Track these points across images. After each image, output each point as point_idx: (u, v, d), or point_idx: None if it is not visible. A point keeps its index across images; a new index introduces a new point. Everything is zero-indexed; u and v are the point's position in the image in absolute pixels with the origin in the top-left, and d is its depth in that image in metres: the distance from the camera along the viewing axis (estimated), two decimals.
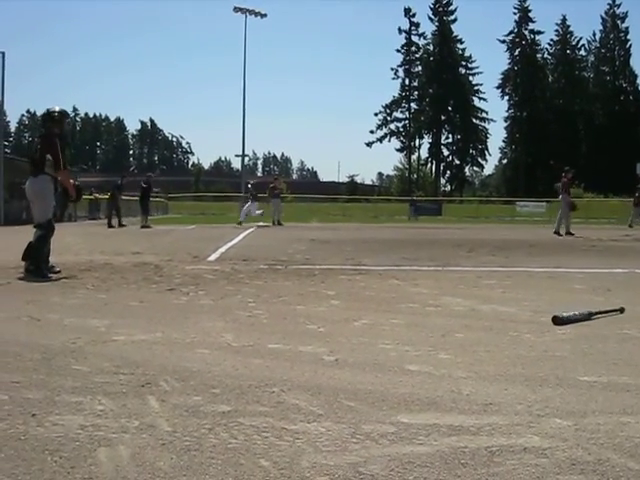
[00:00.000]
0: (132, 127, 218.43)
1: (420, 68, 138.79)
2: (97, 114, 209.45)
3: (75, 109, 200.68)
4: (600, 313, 7.01)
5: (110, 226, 32.60)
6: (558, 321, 6.62)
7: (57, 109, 11.33)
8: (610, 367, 5.00)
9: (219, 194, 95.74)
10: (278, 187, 38.44)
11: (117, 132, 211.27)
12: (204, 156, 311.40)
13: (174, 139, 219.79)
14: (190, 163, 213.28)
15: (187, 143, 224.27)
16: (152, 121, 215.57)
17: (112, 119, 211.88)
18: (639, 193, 36.99)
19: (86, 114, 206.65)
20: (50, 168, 10.95)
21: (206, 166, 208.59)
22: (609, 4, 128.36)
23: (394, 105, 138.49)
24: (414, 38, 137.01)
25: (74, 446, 3.30)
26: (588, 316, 6.87)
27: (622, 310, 7.23)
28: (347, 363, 5.07)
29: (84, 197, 47.04)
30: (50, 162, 10.90)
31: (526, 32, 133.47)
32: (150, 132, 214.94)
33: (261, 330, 6.41)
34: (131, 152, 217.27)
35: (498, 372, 4.83)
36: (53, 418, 3.72)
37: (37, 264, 10.51)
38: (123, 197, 37.73)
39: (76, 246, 17.49)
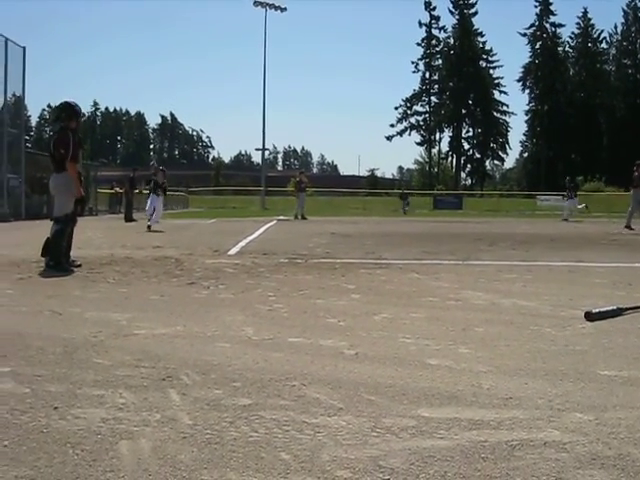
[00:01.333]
0: (152, 121, 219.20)
1: (440, 61, 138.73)
2: (117, 108, 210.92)
3: (96, 103, 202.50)
4: (631, 309, 6.98)
5: (128, 220, 32.57)
6: (591, 317, 6.58)
7: (72, 102, 11.24)
8: (631, 362, 4.99)
9: (239, 188, 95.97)
10: (304, 181, 38.40)
11: (137, 126, 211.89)
12: (224, 150, 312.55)
13: (194, 133, 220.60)
14: (210, 157, 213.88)
15: (207, 137, 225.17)
16: (172, 115, 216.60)
17: (132, 113, 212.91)
18: None
19: (106, 108, 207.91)
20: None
21: (226, 160, 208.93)
22: None
23: (414, 99, 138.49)
24: (434, 31, 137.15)
25: (96, 439, 3.33)
26: (619, 311, 6.83)
27: None
28: (367, 357, 5.08)
29: (105, 191, 47.33)
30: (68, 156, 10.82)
31: (547, 25, 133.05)
32: (170, 126, 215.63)
33: (281, 324, 6.42)
34: (151, 146, 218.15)
35: (518, 366, 4.82)
36: (75, 411, 3.74)
37: (57, 259, 10.51)
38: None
39: (97, 240, 17.58)
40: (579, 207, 41.65)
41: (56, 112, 11.77)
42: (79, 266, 10.83)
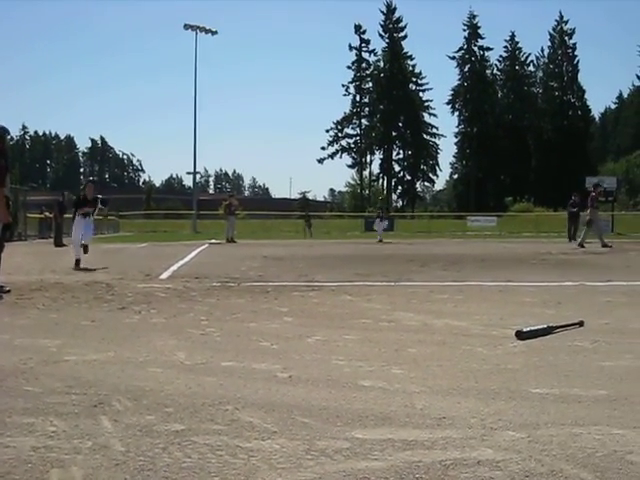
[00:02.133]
0: (82, 145, 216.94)
1: (371, 84, 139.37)
2: (47, 132, 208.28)
3: (24, 127, 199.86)
4: (561, 327, 7.08)
5: (58, 245, 32.19)
6: (521, 336, 6.66)
7: None
8: (561, 379, 5.05)
9: (170, 212, 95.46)
10: (234, 204, 38.34)
11: (67, 150, 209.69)
12: (155, 174, 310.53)
13: (125, 157, 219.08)
14: (141, 181, 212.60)
15: (138, 161, 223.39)
16: (103, 139, 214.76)
17: (62, 137, 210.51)
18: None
19: (35, 132, 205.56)
20: None
21: (157, 184, 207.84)
22: (557, 20, 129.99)
23: (345, 121, 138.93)
24: (365, 55, 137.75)
25: (26, 468, 3.27)
26: (549, 330, 6.92)
27: (581, 323, 7.29)
28: (301, 380, 5.07)
29: (35, 216, 46.63)
30: None
31: (475, 48, 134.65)
32: (101, 150, 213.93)
33: (214, 348, 6.39)
34: (82, 170, 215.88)
35: (451, 386, 4.85)
36: (4, 440, 3.67)
37: None
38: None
39: (26, 265, 17.33)
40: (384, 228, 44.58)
41: None
42: (8, 292, 10.67)
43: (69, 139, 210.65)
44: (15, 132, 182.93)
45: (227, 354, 6.05)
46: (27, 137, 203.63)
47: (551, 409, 4.25)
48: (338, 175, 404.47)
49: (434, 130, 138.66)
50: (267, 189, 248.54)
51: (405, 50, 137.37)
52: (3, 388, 4.81)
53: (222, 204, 38.40)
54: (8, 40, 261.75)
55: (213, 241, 36.06)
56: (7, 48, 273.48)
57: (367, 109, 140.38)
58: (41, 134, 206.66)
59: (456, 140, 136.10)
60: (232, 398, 4.51)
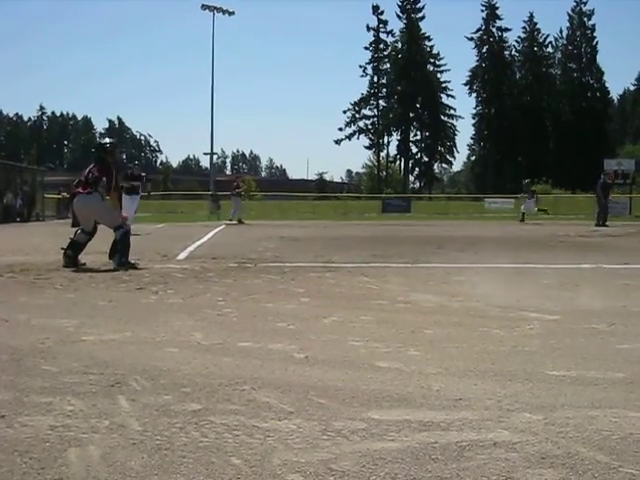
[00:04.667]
0: (100, 125, 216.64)
1: (388, 65, 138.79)
2: (64, 112, 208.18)
3: (42, 107, 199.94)
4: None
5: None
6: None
7: (108, 141, 13.75)
8: (578, 361, 5.05)
9: (188, 192, 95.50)
10: (240, 186, 38.39)
11: (84, 131, 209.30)
12: (172, 154, 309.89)
13: (142, 137, 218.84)
14: (158, 162, 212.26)
15: (155, 141, 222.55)
16: (120, 119, 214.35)
17: (79, 117, 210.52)
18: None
19: (53, 113, 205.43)
20: (101, 188, 12.51)
21: (174, 164, 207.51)
22: (576, 1, 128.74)
23: (363, 102, 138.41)
24: (382, 36, 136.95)
25: (44, 447, 3.29)
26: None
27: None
28: (317, 360, 5.08)
29: (52, 196, 46.78)
30: (103, 183, 12.46)
31: (494, 29, 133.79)
32: (118, 130, 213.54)
33: (231, 328, 6.40)
34: None
35: (468, 368, 4.85)
36: (22, 419, 3.70)
37: (126, 257, 12.01)
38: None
39: (44, 246, 17.38)
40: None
41: (95, 152, 13.74)
42: (83, 265, 12.04)
43: (86, 120, 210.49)
44: (32, 113, 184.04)
45: (244, 334, 6.07)
46: (44, 118, 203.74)
47: (568, 391, 4.25)
48: (355, 156, 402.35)
49: (452, 111, 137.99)
50: (284, 170, 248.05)
51: (423, 31, 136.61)
52: (21, 367, 4.84)
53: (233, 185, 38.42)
54: (26, 21, 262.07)
55: (229, 222, 36.09)
56: (25, 29, 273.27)
57: (384, 90, 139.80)
58: (58, 115, 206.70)
59: (474, 121, 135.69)
60: (249, 378, 4.53)
